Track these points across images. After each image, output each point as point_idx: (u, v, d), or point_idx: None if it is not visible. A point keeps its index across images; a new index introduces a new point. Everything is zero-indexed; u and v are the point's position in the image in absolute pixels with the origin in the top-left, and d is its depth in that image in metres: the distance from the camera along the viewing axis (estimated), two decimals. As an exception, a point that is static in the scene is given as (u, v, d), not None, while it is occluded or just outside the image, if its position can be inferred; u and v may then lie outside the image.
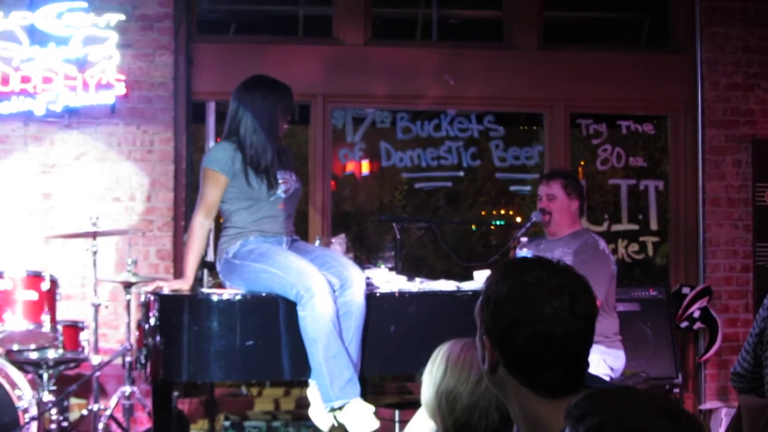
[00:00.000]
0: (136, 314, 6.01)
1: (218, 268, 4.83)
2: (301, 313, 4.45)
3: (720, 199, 7.79)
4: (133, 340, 6.09)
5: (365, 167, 8.32)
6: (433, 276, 5.40)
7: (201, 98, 7.54)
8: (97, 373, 6.26)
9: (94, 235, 6.27)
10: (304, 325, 4.44)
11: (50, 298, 6.04)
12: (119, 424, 6.30)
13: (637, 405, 1.88)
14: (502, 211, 9.66)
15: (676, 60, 8.02)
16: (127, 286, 6.25)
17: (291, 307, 4.48)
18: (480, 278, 5.06)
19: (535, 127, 8.61)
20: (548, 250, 5.77)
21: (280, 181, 4.76)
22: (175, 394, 6.19)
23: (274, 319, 4.54)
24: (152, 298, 4.70)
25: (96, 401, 6.27)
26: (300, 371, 4.56)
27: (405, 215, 8.95)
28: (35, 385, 6.14)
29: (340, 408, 4.45)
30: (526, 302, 2.18)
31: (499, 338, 2.22)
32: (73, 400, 6.74)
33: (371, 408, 4.50)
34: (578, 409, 1.90)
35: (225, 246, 4.77)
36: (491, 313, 2.23)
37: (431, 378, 2.92)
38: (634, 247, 8.11)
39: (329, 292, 4.48)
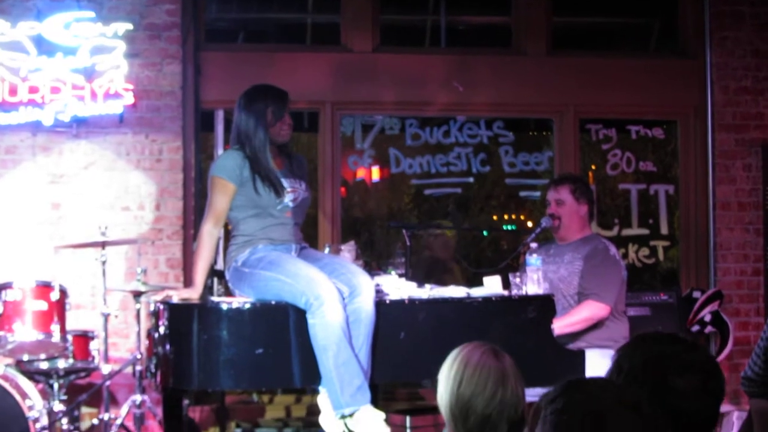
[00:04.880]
0: (145, 323, 6.00)
1: (227, 276, 4.83)
2: (311, 320, 4.44)
3: (730, 203, 7.76)
4: (143, 349, 6.08)
5: (375, 174, 8.32)
6: (443, 282, 5.38)
7: (209, 107, 7.54)
8: (108, 383, 6.26)
9: (103, 244, 6.27)
10: (314, 333, 4.44)
11: (60, 308, 6.04)
12: (130, 433, 6.30)
13: (602, 393, 1.91)
14: (513, 217, 9.64)
15: (685, 64, 8.00)
16: (137, 295, 6.23)
17: (301, 314, 4.48)
18: (489, 284, 5.04)
19: (544, 133, 8.60)
20: (558, 255, 5.75)
21: (288, 189, 4.75)
22: (186, 402, 6.16)
23: (283, 327, 4.53)
24: (162, 306, 4.70)
25: (107, 410, 6.27)
26: (310, 379, 4.56)
27: (414, 221, 8.93)
28: (46, 395, 6.14)
29: (351, 415, 4.43)
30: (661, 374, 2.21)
31: None
32: (84, 410, 6.74)
33: (382, 415, 4.49)
34: (552, 393, 1.96)
35: (234, 254, 4.76)
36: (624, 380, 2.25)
37: (447, 382, 2.91)
38: (645, 251, 8.08)
39: (339, 299, 4.47)
